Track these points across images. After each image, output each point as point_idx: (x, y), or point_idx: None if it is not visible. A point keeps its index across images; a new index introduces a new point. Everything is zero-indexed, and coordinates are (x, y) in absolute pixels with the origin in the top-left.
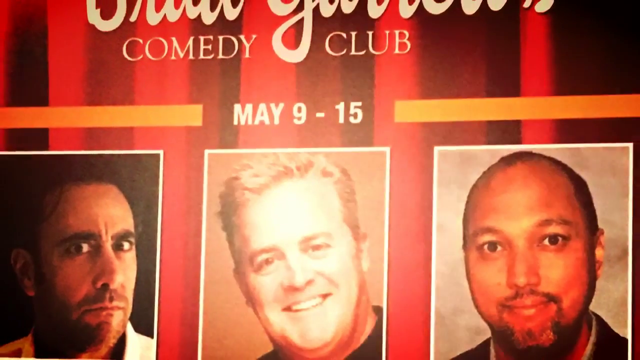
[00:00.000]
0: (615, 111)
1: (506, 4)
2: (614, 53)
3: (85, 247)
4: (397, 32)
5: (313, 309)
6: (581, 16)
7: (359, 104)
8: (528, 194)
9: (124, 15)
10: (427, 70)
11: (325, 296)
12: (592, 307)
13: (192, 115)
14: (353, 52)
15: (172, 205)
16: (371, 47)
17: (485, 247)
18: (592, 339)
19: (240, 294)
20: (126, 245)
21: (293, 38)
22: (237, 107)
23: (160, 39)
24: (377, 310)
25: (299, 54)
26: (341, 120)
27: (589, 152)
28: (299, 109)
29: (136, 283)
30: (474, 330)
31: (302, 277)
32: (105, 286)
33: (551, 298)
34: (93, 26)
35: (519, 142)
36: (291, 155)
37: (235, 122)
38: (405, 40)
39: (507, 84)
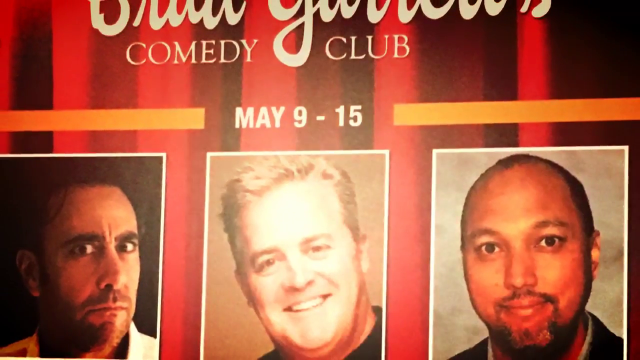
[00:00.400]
0: (610, 114)
1: (503, 9)
2: (609, 57)
3: (89, 249)
4: (396, 36)
5: (313, 309)
6: (577, 21)
7: (359, 107)
8: (525, 196)
9: (127, 20)
10: (425, 74)
11: (325, 296)
12: (588, 307)
13: (194, 118)
14: (353, 57)
15: (175, 207)
16: (371, 52)
17: (483, 248)
18: (588, 338)
19: (241, 295)
20: (129, 246)
21: (294, 42)
22: (238, 111)
23: (163, 43)
24: (377, 310)
25: (300, 58)
26: (341, 123)
27: (585, 155)
28: (300, 112)
29: (139, 284)
30: (471, 330)
31: (302, 277)
32: (109, 287)
33: (548, 298)
34: (97, 31)
35: (516, 144)
36: (292, 157)
37: (237, 125)
38: (404, 44)
39: (504, 87)
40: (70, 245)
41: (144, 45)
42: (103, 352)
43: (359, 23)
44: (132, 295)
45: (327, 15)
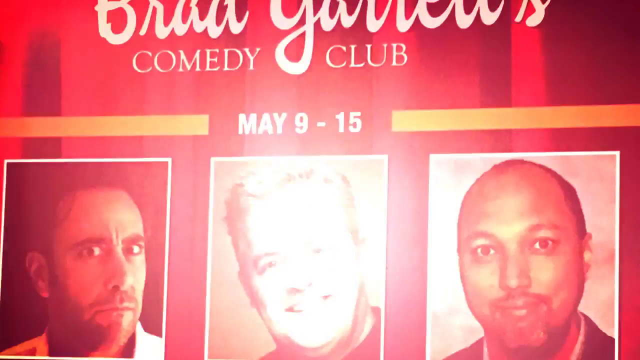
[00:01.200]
0: (603, 121)
1: (499, 18)
2: (602, 65)
3: (96, 251)
4: (394, 45)
5: (314, 309)
6: (570, 30)
7: (358, 113)
8: (520, 200)
9: (133, 29)
10: (423, 82)
11: (326, 297)
12: (581, 307)
13: (199, 124)
14: (352, 65)
15: (180, 211)
16: (370, 60)
17: (479, 250)
18: (581, 338)
19: (244, 296)
20: (136, 248)
21: (295, 51)
22: (241, 117)
23: (169, 52)
24: (376, 310)
25: (301, 66)
26: (341, 129)
27: (578, 160)
28: (301, 119)
29: (145, 285)
30: (467, 330)
31: (303, 279)
32: (116, 288)
33: (542, 299)
34: (104, 40)
35: (510, 150)
36: (293, 162)
37: (240, 131)
38: (402, 53)
39: (499, 94)
40: (78, 247)
41: (150, 53)
42: (110, 351)
43: (359, 32)
44: (139, 296)
45: (328, 25)
